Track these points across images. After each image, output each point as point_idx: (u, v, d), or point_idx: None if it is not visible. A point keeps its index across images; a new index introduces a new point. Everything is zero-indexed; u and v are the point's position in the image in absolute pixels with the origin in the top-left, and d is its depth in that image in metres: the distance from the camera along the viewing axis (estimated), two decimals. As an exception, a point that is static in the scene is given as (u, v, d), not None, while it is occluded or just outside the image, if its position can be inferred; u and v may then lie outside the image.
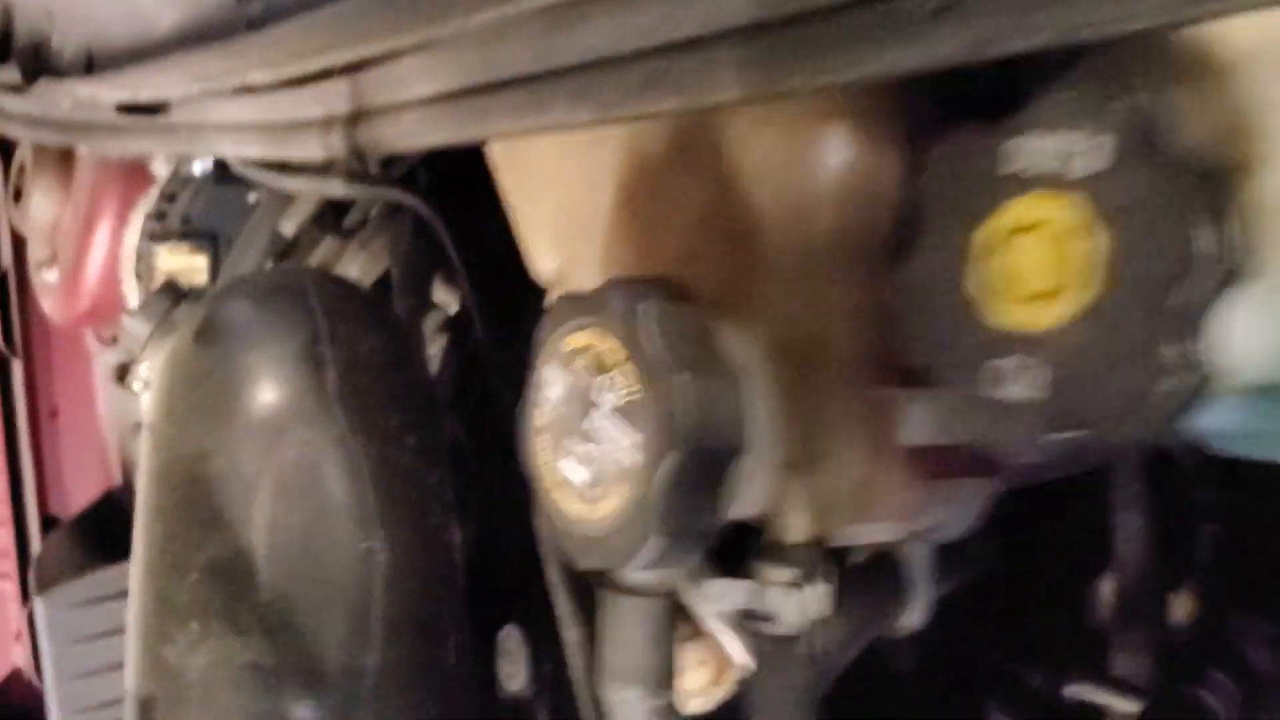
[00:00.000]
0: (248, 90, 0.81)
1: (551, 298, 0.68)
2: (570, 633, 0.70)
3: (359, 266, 0.93)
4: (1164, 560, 0.84)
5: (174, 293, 0.89)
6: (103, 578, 1.24)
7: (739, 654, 0.63)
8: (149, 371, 0.91)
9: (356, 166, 0.88)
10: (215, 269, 1.06)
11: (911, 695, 0.85)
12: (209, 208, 1.09)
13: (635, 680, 0.63)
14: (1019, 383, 0.44)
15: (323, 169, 0.90)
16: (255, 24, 0.74)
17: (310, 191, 0.97)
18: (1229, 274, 0.40)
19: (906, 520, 0.58)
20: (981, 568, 0.67)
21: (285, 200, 1.02)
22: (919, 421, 0.52)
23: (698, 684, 0.68)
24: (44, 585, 1.28)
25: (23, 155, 1.38)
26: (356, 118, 0.72)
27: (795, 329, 0.55)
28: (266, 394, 0.69)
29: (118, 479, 1.44)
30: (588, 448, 0.56)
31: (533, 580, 0.73)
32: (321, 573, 0.67)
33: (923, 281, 0.47)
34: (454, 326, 0.85)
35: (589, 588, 0.69)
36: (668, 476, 0.52)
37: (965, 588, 0.69)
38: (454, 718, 0.71)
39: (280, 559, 0.68)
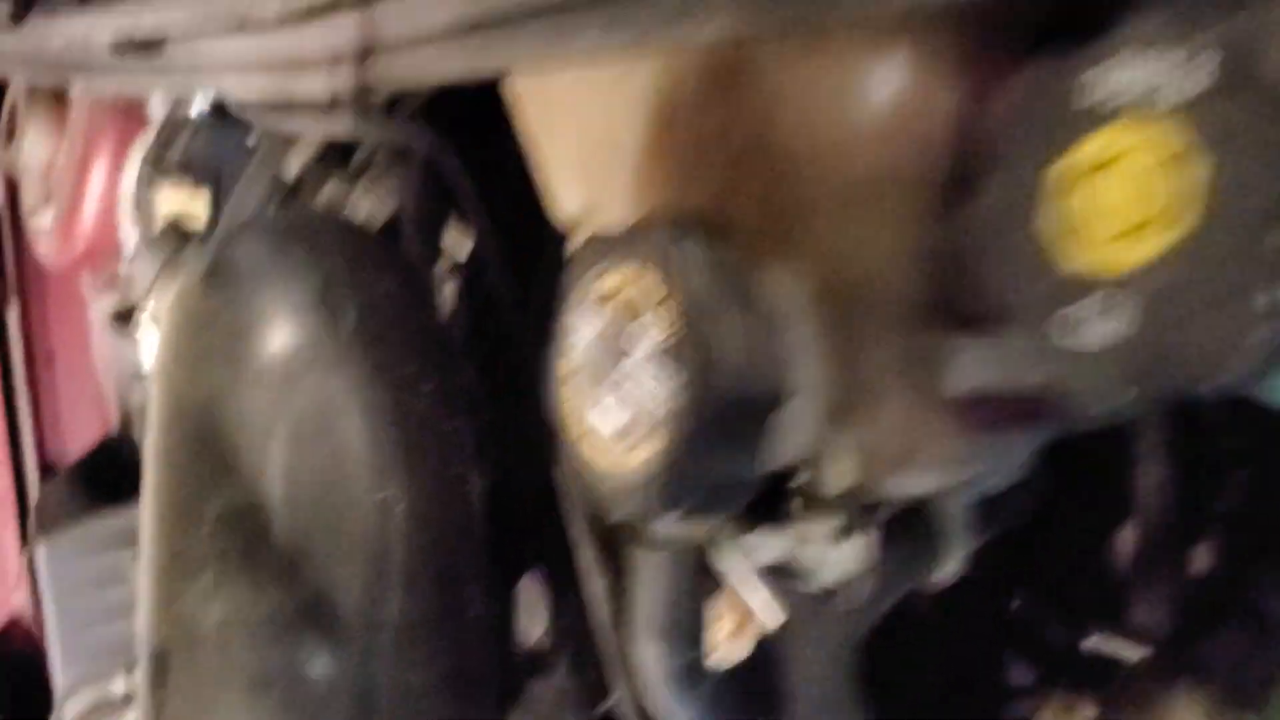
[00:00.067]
0: (249, 25, 0.77)
1: (575, 239, 0.64)
2: (594, 587, 0.67)
3: (366, 210, 0.89)
4: (1186, 510, 0.81)
5: (179, 235, 0.85)
6: (104, 523, 1.21)
7: (764, 609, 0.60)
8: (154, 316, 0.87)
9: (364, 105, 0.84)
10: (216, 212, 1.01)
11: (927, 644, 0.83)
12: (208, 149, 1.05)
13: (665, 635, 0.60)
14: (1093, 331, 0.40)
15: (328, 108, 0.86)
16: (258, -47, 0.70)
17: (315, 133, 0.93)
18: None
19: (952, 470, 0.55)
20: (1016, 519, 0.64)
21: (287, 142, 0.98)
22: (974, 368, 0.49)
23: (716, 638, 0.65)
24: (44, 531, 1.25)
25: (14, 95, 1.33)
26: (366, 53, 0.68)
27: (842, 270, 0.51)
28: (280, 339, 0.66)
29: (115, 425, 1.40)
30: (620, 395, 0.53)
31: (551, 530, 0.70)
32: (338, 522, 0.64)
33: (989, 223, 0.44)
34: (466, 271, 0.81)
35: (612, 539, 0.66)
36: (708, 423, 0.49)
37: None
38: (474, 669, 0.68)
39: (296, 508, 0.65)
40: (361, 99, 0.71)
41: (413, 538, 0.65)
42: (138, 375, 1.17)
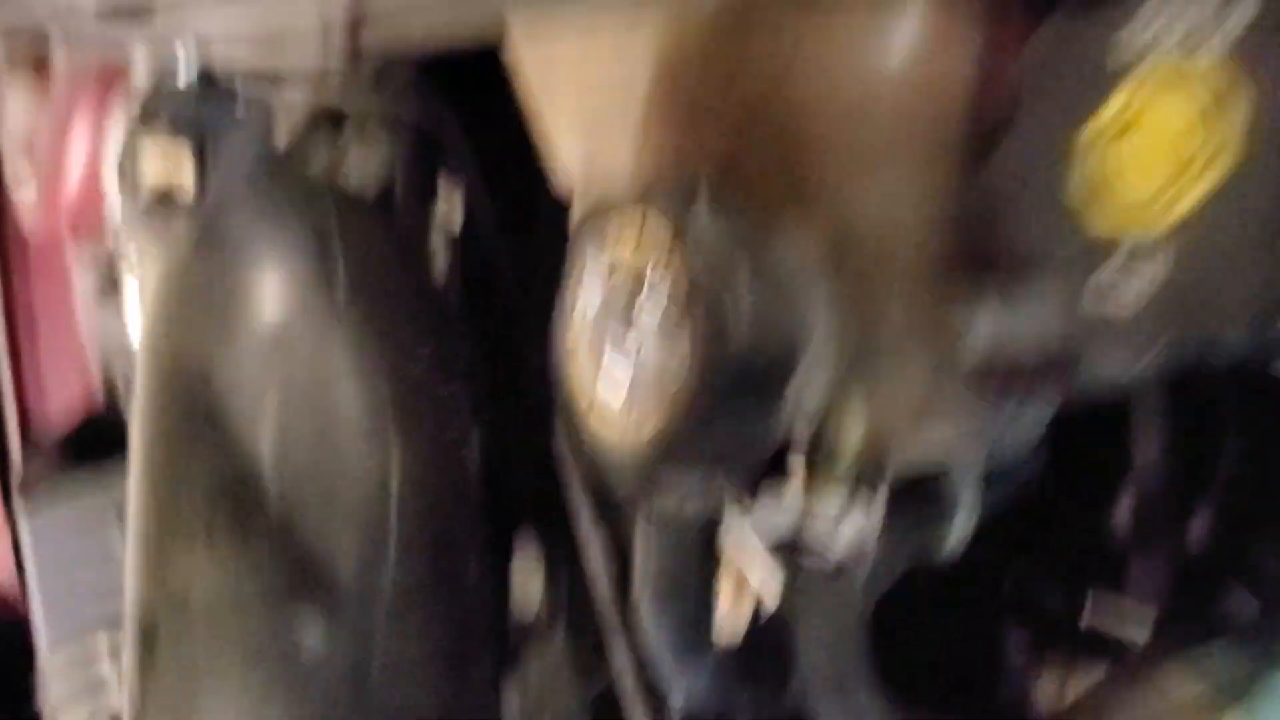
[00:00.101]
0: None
1: (578, 204, 0.62)
2: (594, 557, 0.65)
3: (359, 177, 0.87)
4: (1185, 478, 0.80)
5: (166, 204, 0.82)
6: (90, 495, 1.19)
7: (767, 582, 0.59)
8: (142, 286, 0.85)
9: (356, 74, 0.82)
10: (204, 180, 0.99)
11: (923, 612, 0.82)
12: (196, 117, 1.02)
13: (669, 606, 0.59)
14: (1123, 292, 0.39)
15: (319, 77, 0.84)
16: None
17: (305, 101, 0.91)
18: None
19: (966, 435, 0.53)
20: (1022, 491, 0.63)
21: (277, 109, 0.95)
22: (993, 329, 0.48)
23: (720, 610, 0.64)
24: (28, 504, 1.23)
25: (-4, 64, 1.30)
26: (357, 22, 0.66)
27: (857, 228, 0.50)
28: (273, 304, 0.64)
29: (101, 398, 1.38)
30: (629, 366, 0.51)
31: (549, 499, 0.68)
32: (332, 490, 0.62)
33: (1015, 184, 0.42)
34: (461, 238, 0.79)
35: (613, 507, 0.64)
36: (719, 394, 0.48)
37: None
38: (470, 640, 0.67)
39: (289, 476, 0.63)
40: (353, 68, 0.69)
41: (409, 505, 0.63)
42: (124, 348, 1.15)
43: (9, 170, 1.32)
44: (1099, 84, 0.39)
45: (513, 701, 0.72)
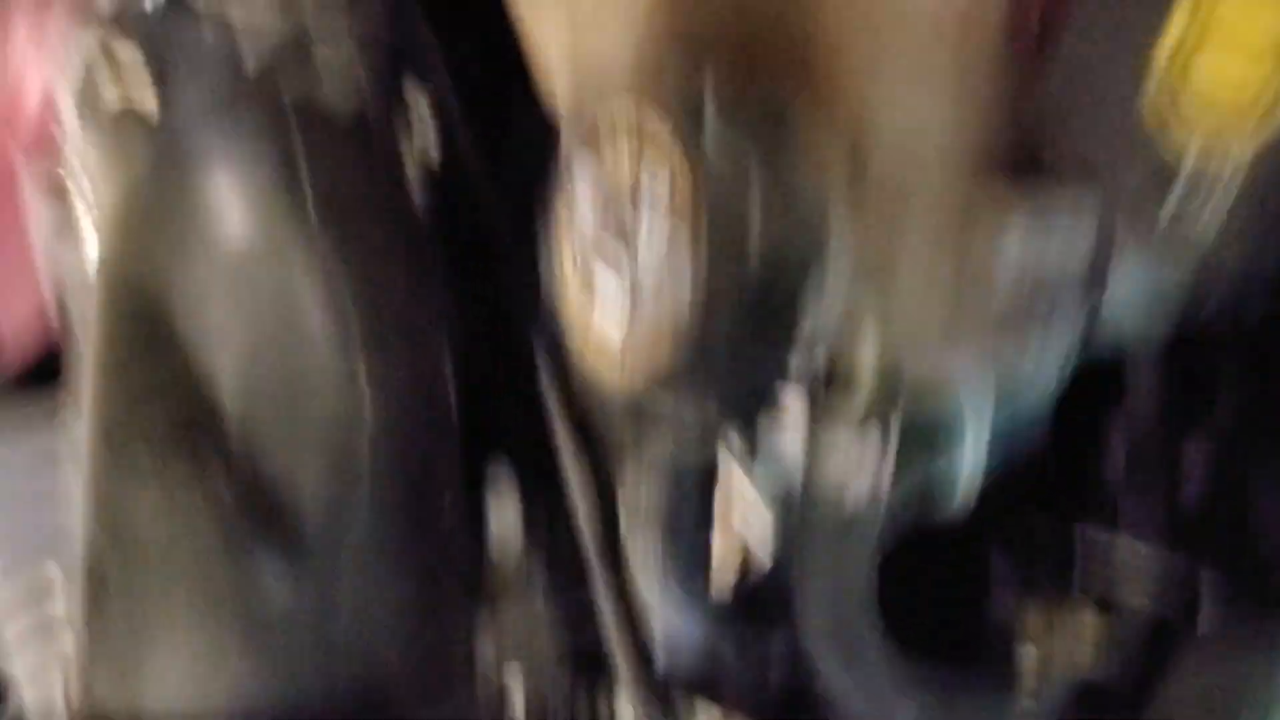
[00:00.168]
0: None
1: (565, 106, 0.57)
2: (581, 500, 0.60)
3: (329, 100, 0.81)
4: (1180, 416, 0.76)
5: (128, 124, 0.77)
6: (44, 432, 1.13)
7: (764, 528, 0.54)
8: (99, 211, 0.79)
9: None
10: (167, 103, 0.93)
11: (912, 542, 0.78)
12: (161, 38, 0.96)
13: (666, 553, 0.54)
14: (1201, 216, 0.34)
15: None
16: None
17: (276, 23, 0.85)
18: None
19: (986, 374, 0.49)
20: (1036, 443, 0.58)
21: (246, 31, 0.89)
22: (1027, 256, 0.43)
23: (720, 558, 0.59)
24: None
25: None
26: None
27: (882, 136, 0.44)
28: (238, 230, 0.59)
29: (59, 337, 1.32)
30: (628, 289, 0.46)
31: (532, 439, 0.63)
32: (300, 426, 0.57)
33: (1075, 95, 0.37)
34: (440, 162, 0.74)
35: (601, 447, 0.59)
36: (732, 320, 0.43)
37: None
38: (446, 587, 0.62)
39: (254, 411, 0.57)
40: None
41: (381, 442, 0.58)
42: (82, 283, 1.09)
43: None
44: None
45: (488, 650, 0.67)
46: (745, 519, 0.54)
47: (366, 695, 0.59)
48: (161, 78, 0.94)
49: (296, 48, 0.87)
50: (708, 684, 0.62)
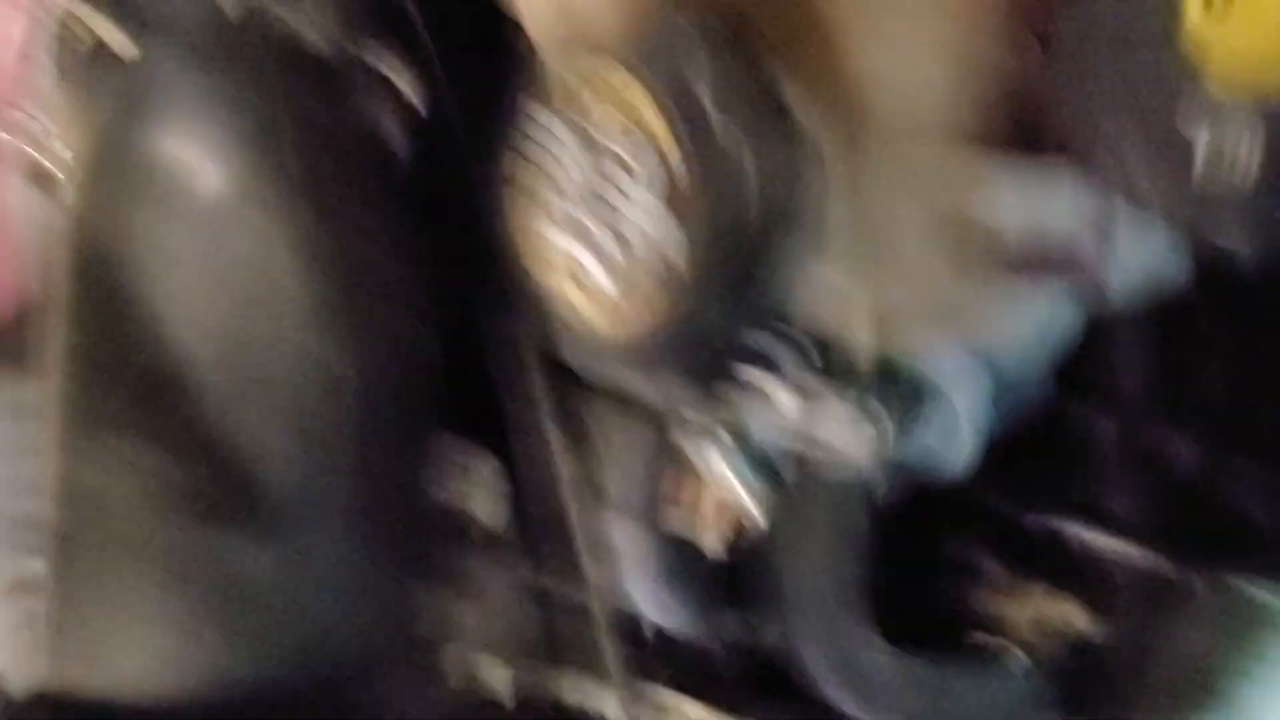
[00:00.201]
0: None
1: (548, 56, 0.54)
2: (558, 463, 0.58)
3: (308, 46, 0.79)
4: (1166, 397, 0.75)
5: (100, 69, 0.74)
6: (16, 392, 1.11)
7: (748, 494, 0.52)
8: (71, 156, 0.77)
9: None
10: (142, 43, 0.91)
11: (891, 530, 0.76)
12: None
13: (641, 511, 0.52)
14: (1240, 162, 0.32)
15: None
16: None
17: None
18: None
19: (985, 337, 0.47)
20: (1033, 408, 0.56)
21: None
22: (1031, 214, 0.41)
23: (703, 525, 0.57)
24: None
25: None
26: None
27: (878, 87, 0.43)
28: (214, 176, 0.56)
29: (35, 290, 1.29)
30: (612, 249, 0.44)
31: (506, 400, 0.61)
32: (274, 390, 0.55)
33: (1107, 30, 0.35)
34: (418, 109, 0.72)
35: (580, 410, 0.57)
36: (715, 280, 0.41)
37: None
38: (422, 557, 0.60)
39: (225, 371, 0.55)
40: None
41: (359, 411, 0.56)
42: (56, 237, 1.06)
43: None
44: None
45: (466, 620, 0.65)
46: (728, 485, 0.52)
47: (336, 669, 0.57)
48: (139, 18, 0.92)
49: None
50: (686, 671, 0.60)
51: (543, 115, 0.48)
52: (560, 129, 0.47)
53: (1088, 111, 0.36)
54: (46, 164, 1.00)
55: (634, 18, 0.46)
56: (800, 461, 0.49)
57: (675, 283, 0.41)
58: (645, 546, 0.54)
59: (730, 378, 0.49)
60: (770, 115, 0.42)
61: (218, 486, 0.54)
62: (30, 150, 1.12)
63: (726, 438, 0.50)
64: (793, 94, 0.43)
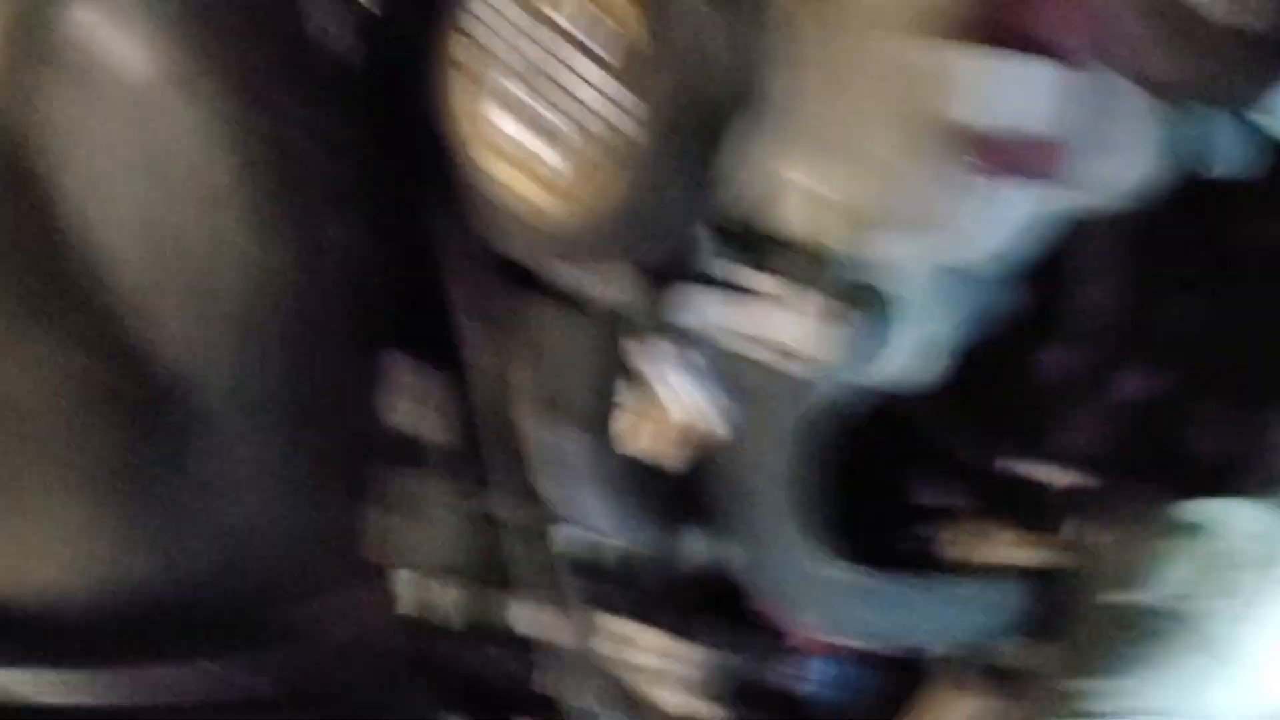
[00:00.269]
0: None
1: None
2: (484, 357, 0.54)
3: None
4: (1124, 334, 0.72)
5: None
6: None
7: (690, 398, 0.49)
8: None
9: None
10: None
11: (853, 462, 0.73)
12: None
13: (578, 415, 0.49)
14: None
15: None
16: None
17: None
18: None
19: (943, 228, 0.44)
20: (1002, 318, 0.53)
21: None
22: (1000, 92, 0.38)
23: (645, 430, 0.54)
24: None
25: None
26: None
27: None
28: (137, 60, 0.52)
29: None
30: (561, 115, 0.41)
31: (429, 294, 0.57)
32: (199, 284, 0.51)
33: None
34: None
35: (511, 303, 0.54)
36: (677, 149, 0.38)
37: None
38: (345, 461, 0.56)
39: (147, 264, 0.51)
40: None
41: (291, 311, 0.52)
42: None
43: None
44: None
45: (417, 543, 0.62)
46: (687, 399, 0.49)
47: (252, 579, 0.54)
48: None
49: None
50: (644, 599, 0.57)
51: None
52: (507, 5, 0.44)
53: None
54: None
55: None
56: (759, 367, 0.46)
57: (633, 156, 0.38)
58: (600, 460, 0.51)
59: (687, 275, 0.46)
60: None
61: (137, 385, 0.50)
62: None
63: (682, 342, 0.47)
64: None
